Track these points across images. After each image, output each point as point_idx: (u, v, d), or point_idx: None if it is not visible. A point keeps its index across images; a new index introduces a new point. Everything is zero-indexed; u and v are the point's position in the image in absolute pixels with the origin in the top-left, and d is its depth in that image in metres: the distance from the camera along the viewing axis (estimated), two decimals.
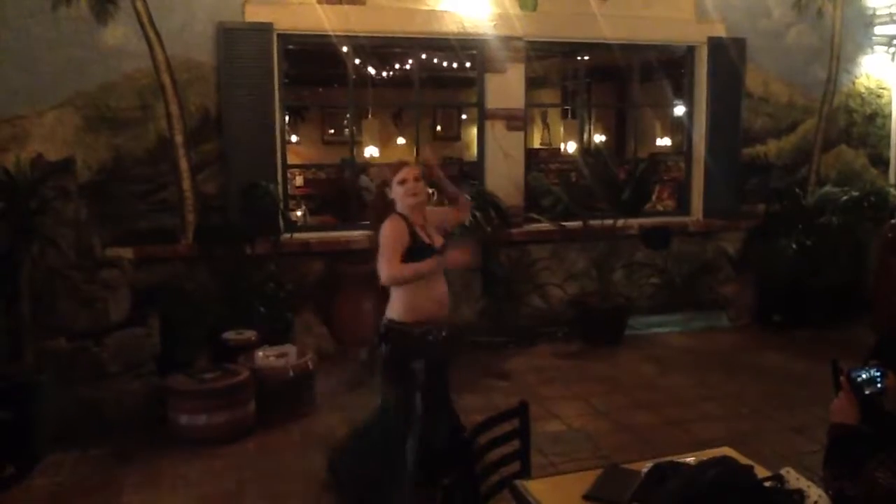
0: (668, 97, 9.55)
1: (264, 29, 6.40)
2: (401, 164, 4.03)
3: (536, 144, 14.61)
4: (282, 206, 6.61)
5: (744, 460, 2.49)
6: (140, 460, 4.72)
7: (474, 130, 8.04)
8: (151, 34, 6.10)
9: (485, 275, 6.87)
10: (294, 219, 8.00)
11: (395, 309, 3.91)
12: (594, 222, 7.20)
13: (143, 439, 4.96)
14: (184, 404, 4.99)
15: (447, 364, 4.02)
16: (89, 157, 6.05)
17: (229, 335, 5.73)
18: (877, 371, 2.29)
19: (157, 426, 5.06)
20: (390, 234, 3.81)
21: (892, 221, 7.03)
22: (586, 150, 9.26)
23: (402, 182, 3.89)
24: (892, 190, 7.87)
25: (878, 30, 8.21)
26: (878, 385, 2.27)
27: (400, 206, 3.89)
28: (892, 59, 8.21)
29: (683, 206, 8.15)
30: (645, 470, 2.54)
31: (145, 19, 6.08)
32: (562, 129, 14.50)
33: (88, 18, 5.97)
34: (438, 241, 3.95)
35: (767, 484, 2.20)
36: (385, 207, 3.95)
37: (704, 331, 7.57)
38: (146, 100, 6.17)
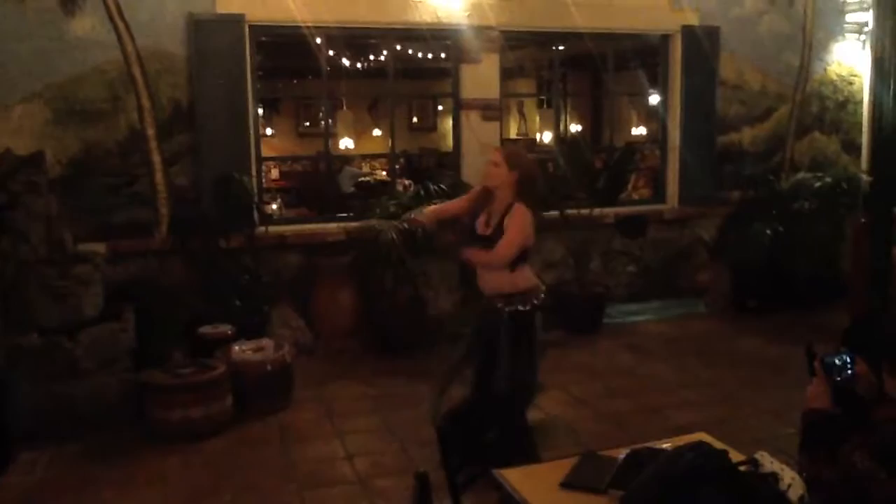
0: (644, 86, 9.58)
1: (236, 20, 6.33)
2: None
3: (513, 134, 14.62)
4: (256, 198, 6.56)
5: (719, 445, 2.50)
6: (116, 457, 4.68)
7: (450, 121, 8.01)
8: (120, 25, 6.02)
9: (462, 265, 6.85)
10: (269, 211, 7.94)
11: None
12: (571, 211, 7.21)
13: (119, 435, 4.92)
14: (160, 399, 4.95)
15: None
16: (59, 150, 5.96)
17: (205, 329, 5.69)
18: (848, 356, 2.31)
19: (133, 422, 5.01)
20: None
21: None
22: (562, 139, 9.26)
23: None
24: (864, 176, 7.94)
25: (849, 17, 8.28)
26: (849, 371, 2.30)
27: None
28: (863, 47, 8.27)
29: (659, 194, 8.19)
30: (621, 456, 2.55)
31: (114, 10, 5.99)
32: (538, 118, 14.53)
33: (55, 9, 5.87)
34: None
35: (742, 468, 2.21)
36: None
37: (681, 318, 7.62)
38: (116, 92, 6.09)
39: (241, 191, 6.26)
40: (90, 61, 6.00)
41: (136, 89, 6.14)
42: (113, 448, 4.78)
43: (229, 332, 5.67)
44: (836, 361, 2.31)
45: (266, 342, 5.56)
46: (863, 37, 8.27)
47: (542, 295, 4.23)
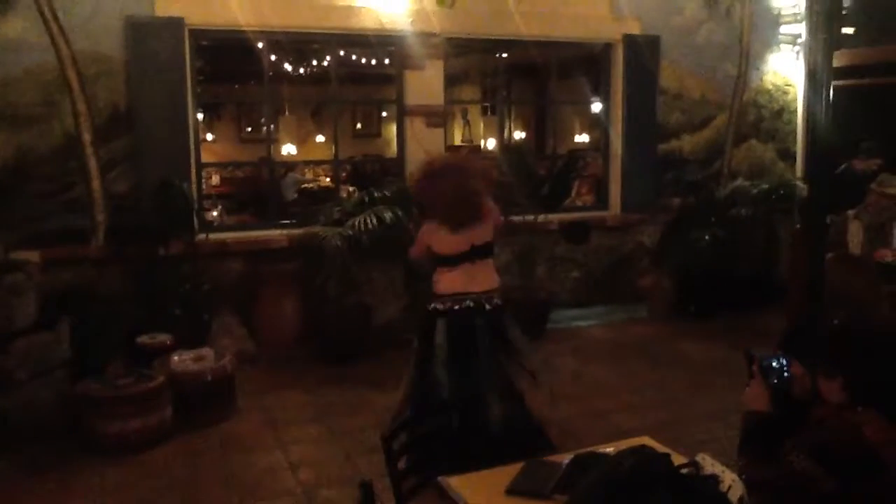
0: (586, 94, 9.70)
1: (175, 23, 6.22)
2: None
3: (457, 141, 14.65)
4: (196, 205, 6.45)
5: (661, 448, 2.52)
6: (51, 471, 4.53)
7: (394, 127, 7.99)
8: (54, 27, 5.86)
9: (407, 271, 6.84)
10: (210, 218, 7.81)
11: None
12: (515, 218, 7.23)
13: (53, 449, 4.76)
14: (96, 411, 4.81)
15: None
16: None
17: (144, 339, 5.55)
18: (784, 360, 2.36)
19: (68, 435, 4.86)
20: None
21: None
22: (506, 146, 9.32)
23: None
24: (799, 183, 8.15)
25: (783, 29, 8.50)
26: (786, 373, 2.34)
27: None
28: (797, 58, 8.50)
29: (602, 201, 8.29)
30: (565, 462, 2.55)
31: (47, 11, 5.82)
32: (482, 125, 14.59)
33: None
34: None
35: (684, 471, 2.23)
36: None
37: (624, 323, 7.71)
38: (51, 96, 5.93)
39: (181, 197, 6.14)
40: (22, 63, 5.82)
41: (72, 93, 5.98)
42: (48, 461, 4.63)
43: (168, 342, 5.55)
44: (774, 364, 2.35)
45: (206, 351, 5.45)
46: (797, 48, 8.50)
47: (445, 305, 4.26)
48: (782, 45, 8.53)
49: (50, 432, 4.87)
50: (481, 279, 4.29)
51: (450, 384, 4.20)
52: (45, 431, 4.86)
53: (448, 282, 4.28)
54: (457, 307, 4.23)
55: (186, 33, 6.31)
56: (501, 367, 4.31)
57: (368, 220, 6.33)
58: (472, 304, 4.23)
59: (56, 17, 5.85)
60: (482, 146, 14.11)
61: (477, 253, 4.28)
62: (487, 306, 4.27)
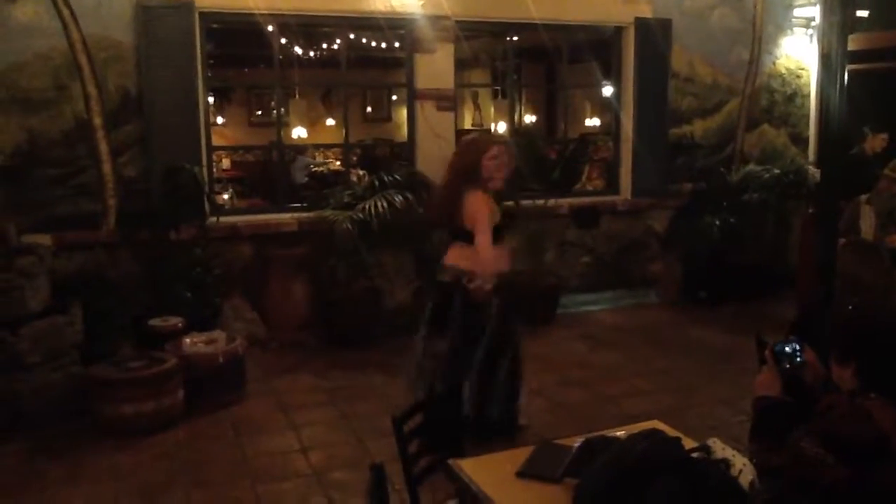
0: (597, 78, 9.63)
1: (185, 7, 6.21)
2: (491, 141, 4.61)
3: (468, 125, 14.61)
4: (207, 189, 6.46)
5: (672, 433, 2.53)
6: (63, 454, 4.57)
7: (405, 111, 7.96)
8: (65, 11, 5.85)
9: (417, 256, 6.85)
10: (221, 202, 7.82)
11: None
12: (525, 202, 7.23)
13: (65, 432, 4.80)
14: (108, 394, 4.85)
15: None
16: (2, 140, 5.79)
17: (155, 322, 5.58)
18: (797, 345, 2.35)
19: (80, 418, 4.90)
20: (484, 208, 4.23)
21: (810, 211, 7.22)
22: (517, 130, 9.28)
23: (495, 157, 4.28)
24: (811, 168, 8.10)
25: (797, 12, 8.41)
26: (798, 359, 2.34)
27: (485, 180, 4.27)
28: (811, 41, 8.42)
29: (612, 186, 8.25)
30: (576, 445, 2.56)
31: None
32: (492, 109, 14.54)
33: None
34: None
35: (695, 455, 2.23)
36: (471, 173, 4.28)
37: (634, 308, 7.71)
38: (62, 80, 5.93)
39: (192, 181, 6.15)
40: (33, 48, 5.82)
41: (83, 77, 5.98)
42: (60, 444, 4.67)
43: (180, 324, 5.58)
44: (786, 350, 2.35)
45: (218, 334, 5.48)
46: (810, 31, 8.43)
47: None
48: (795, 29, 8.45)
49: (62, 415, 4.91)
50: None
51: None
52: (57, 414, 4.90)
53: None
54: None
55: (196, 16, 6.29)
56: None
57: (379, 204, 6.33)
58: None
59: (67, 2, 5.84)
60: (492, 130, 14.07)
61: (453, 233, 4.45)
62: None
